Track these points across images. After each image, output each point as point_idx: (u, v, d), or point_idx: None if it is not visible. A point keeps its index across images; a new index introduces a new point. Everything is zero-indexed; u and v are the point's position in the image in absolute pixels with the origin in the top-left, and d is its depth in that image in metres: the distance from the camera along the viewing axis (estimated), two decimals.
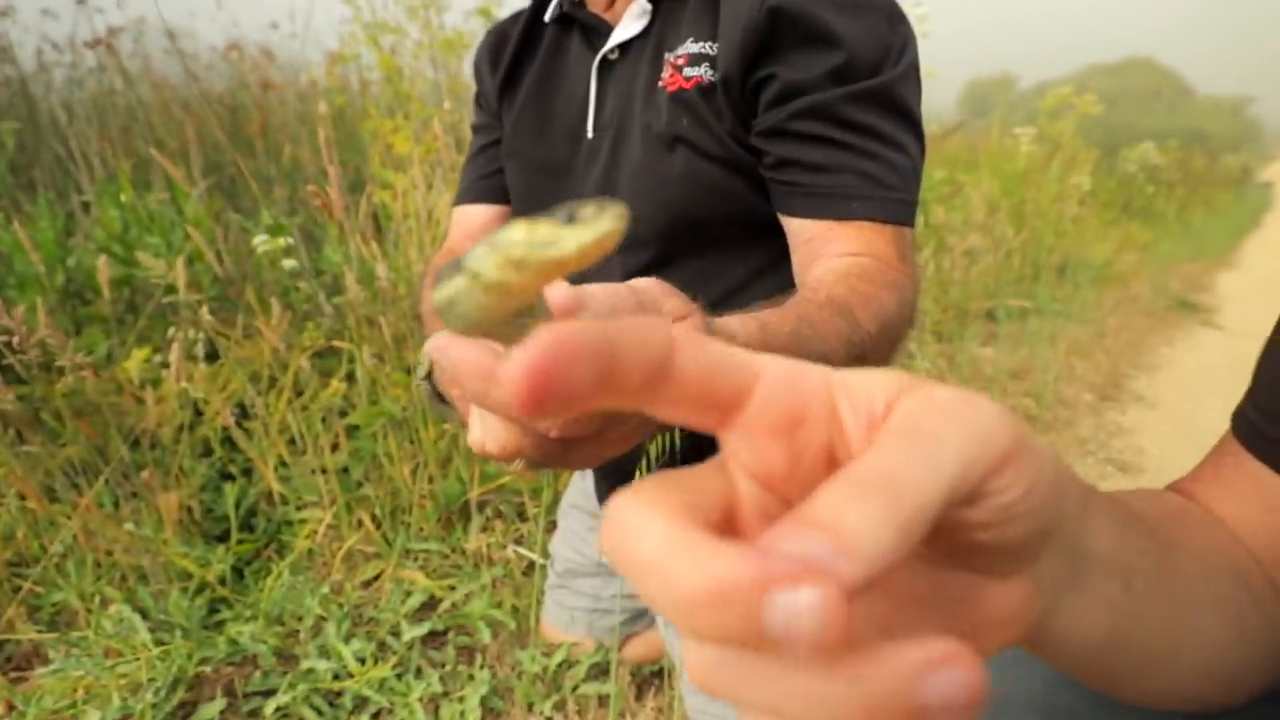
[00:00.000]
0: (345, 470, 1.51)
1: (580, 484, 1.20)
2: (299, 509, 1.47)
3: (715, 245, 0.80)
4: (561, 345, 0.18)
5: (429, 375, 0.53)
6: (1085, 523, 0.26)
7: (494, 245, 0.23)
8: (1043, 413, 2.43)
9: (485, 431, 0.38)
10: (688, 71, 0.73)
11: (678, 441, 0.83)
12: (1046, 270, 3.69)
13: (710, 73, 0.72)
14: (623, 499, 0.19)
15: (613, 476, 0.98)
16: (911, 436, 0.20)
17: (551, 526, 1.40)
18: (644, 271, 0.77)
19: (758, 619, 0.16)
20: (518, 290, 0.25)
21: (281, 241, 1.49)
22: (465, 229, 0.96)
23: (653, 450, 0.83)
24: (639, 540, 0.18)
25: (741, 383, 0.22)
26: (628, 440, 0.40)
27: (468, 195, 0.98)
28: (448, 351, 0.34)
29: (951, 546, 0.23)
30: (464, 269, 0.25)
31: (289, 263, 1.56)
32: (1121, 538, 0.28)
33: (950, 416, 0.20)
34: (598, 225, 0.22)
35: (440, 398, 0.52)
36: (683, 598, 0.17)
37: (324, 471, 1.46)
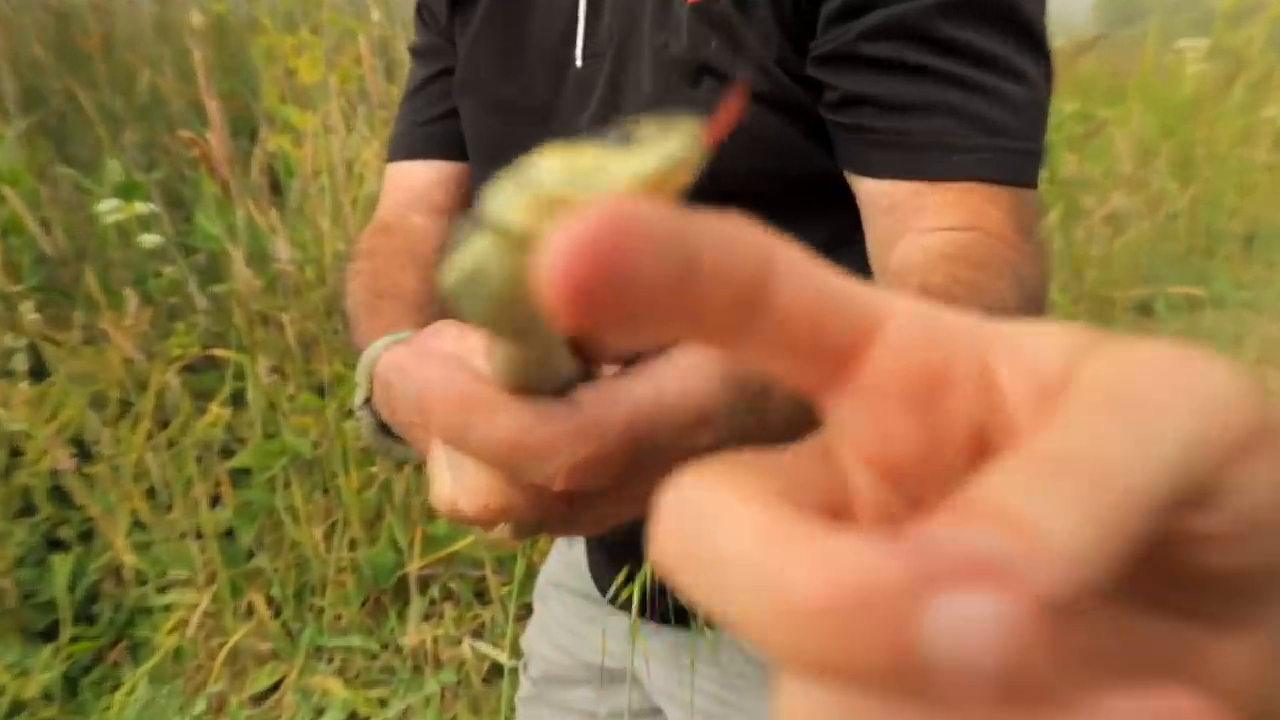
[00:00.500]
0: (229, 534, 1.51)
1: (565, 554, 1.20)
2: (162, 590, 1.47)
3: (758, 215, 0.80)
4: (625, 218, 0.18)
5: (369, 400, 0.53)
6: None
7: (521, 184, 0.23)
8: None
9: (458, 484, 0.38)
10: None
11: None
12: (1226, 242, 3.70)
13: None
14: (687, 482, 0.19)
15: (616, 544, 0.98)
16: (1114, 406, 0.19)
17: (525, 613, 1.40)
18: None
19: (910, 638, 0.15)
20: None
21: (137, 208, 1.50)
22: (403, 195, 0.96)
23: None
24: (723, 529, 0.17)
25: (862, 324, 0.21)
26: (653, 495, 0.40)
27: (406, 147, 0.98)
28: (412, 370, 0.34)
29: (1160, 576, 0.22)
30: (484, 224, 0.25)
31: (149, 238, 1.57)
32: None
33: (1167, 381, 0.20)
34: (664, 147, 0.22)
35: (387, 431, 0.53)
36: (796, 606, 0.16)
37: (199, 536, 1.46)
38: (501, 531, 0.40)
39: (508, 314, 0.28)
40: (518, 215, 0.24)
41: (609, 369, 0.38)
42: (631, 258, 0.18)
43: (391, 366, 0.34)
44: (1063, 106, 3.52)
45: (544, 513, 0.38)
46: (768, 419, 0.45)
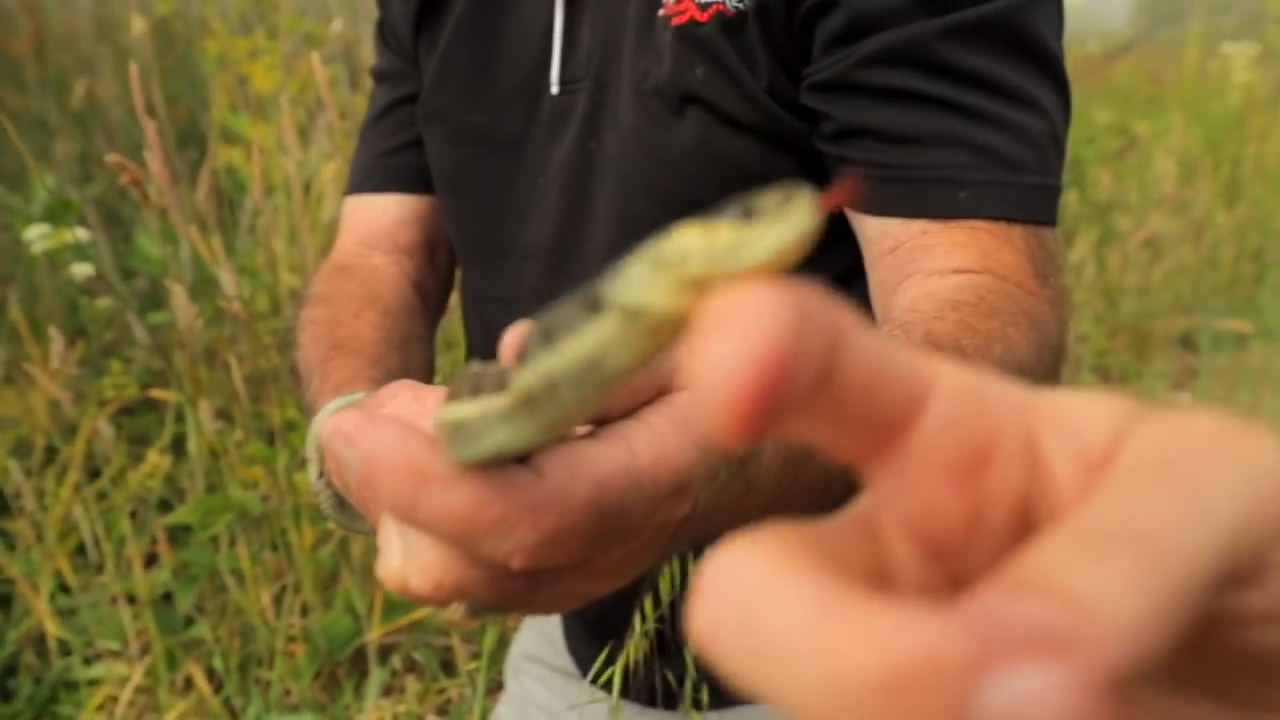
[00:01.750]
0: (167, 598, 1.50)
1: (541, 625, 1.20)
2: (89, 662, 1.46)
3: None
4: (787, 321, 0.19)
5: (323, 473, 0.54)
6: None
7: (661, 262, 0.25)
8: None
9: (410, 559, 0.39)
10: None
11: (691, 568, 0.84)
12: (1276, 270, 3.74)
13: (737, 1, 0.75)
14: (730, 556, 0.20)
15: (595, 618, 0.98)
16: (1162, 477, 0.20)
17: (496, 688, 1.39)
18: None
19: (971, 713, 0.16)
20: (679, 327, 0.26)
21: (69, 235, 1.51)
22: (364, 231, 0.97)
23: (663, 583, 0.84)
24: (771, 606, 0.18)
25: (913, 393, 0.22)
26: (625, 570, 0.41)
27: (368, 179, 0.99)
28: (356, 437, 0.34)
29: (1208, 657, 0.23)
30: (608, 306, 0.27)
31: (81, 268, 1.58)
32: None
33: (1216, 452, 0.21)
34: (792, 218, 0.23)
35: (347, 504, 0.53)
36: (851, 684, 0.17)
37: (132, 600, 1.45)
38: (456, 611, 0.41)
39: (606, 400, 0.29)
40: (656, 296, 0.25)
41: (576, 430, 0.38)
42: (792, 375, 0.19)
43: (336, 433, 0.34)
44: (1096, 118, 3.56)
45: (502, 591, 0.38)
46: (756, 486, 0.45)
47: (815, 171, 0.78)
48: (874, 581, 0.23)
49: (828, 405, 0.22)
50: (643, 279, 0.25)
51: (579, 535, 0.35)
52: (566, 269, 0.85)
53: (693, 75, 0.76)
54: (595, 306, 0.27)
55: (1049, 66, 0.74)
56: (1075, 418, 0.23)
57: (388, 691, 1.51)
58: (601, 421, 0.39)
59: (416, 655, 1.55)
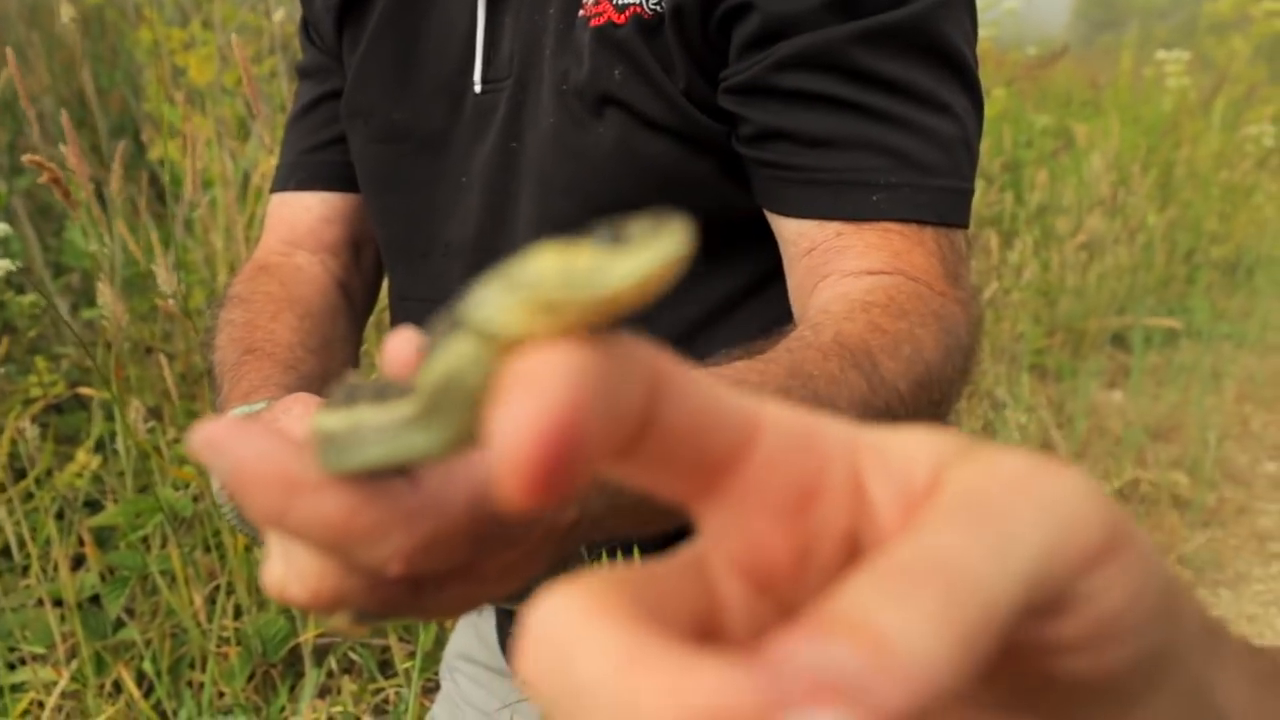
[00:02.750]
0: (95, 600, 1.47)
1: (472, 625, 1.19)
2: (13, 667, 1.43)
3: None
4: (577, 388, 0.19)
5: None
6: (1213, 666, 0.28)
7: (514, 284, 0.25)
8: (1200, 493, 2.51)
9: (288, 568, 0.38)
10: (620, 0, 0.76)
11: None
12: (1207, 271, 3.84)
13: (655, 2, 0.75)
14: (551, 603, 0.20)
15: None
16: (970, 515, 0.21)
17: (433, 686, 1.38)
18: None
19: None
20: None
21: None
22: (288, 230, 0.96)
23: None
24: (581, 655, 0.19)
25: (738, 437, 0.23)
26: (515, 575, 0.41)
27: (293, 176, 0.98)
28: (224, 446, 0.34)
29: (1027, 683, 0.24)
30: (465, 326, 0.26)
31: (3, 263, 1.54)
32: (1260, 702, 0.30)
33: (1022, 490, 0.22)
34: (654, 248, 0.23)
35: None
36: None
37: (58, 603, 1.42)
38: (342, 619, 0.40)
39: (479, 420, 0.29)
40: (508, 317, 0.25)
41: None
42: (585, 430, 0.20)
43: (206, 443, 0.34)
44: (1034, 121, 3.63)
45: (384, 599, 0.38)
46: (649, 495, 0.45)
47: (734, 173, 0.79)
48: (706, 620, 0.24)
49: (651, 451, 0.22)
50: (495, 300, 0.25)
51: (456, 541, 0.35)
52: (489, 268, 0.85)
53: (611, 77, 0.76)
54: (450, 327, 0.27)
55: (961, 71, 0.75)
56: (899, 455, 0.24)
57: (323, 692, 1.50)
58: None
59: (354, 655, 1.54)
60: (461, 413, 0.28)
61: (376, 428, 0.30)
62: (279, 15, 2.16)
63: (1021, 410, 2.54)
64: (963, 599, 0.19)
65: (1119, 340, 3.30)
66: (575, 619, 0.20)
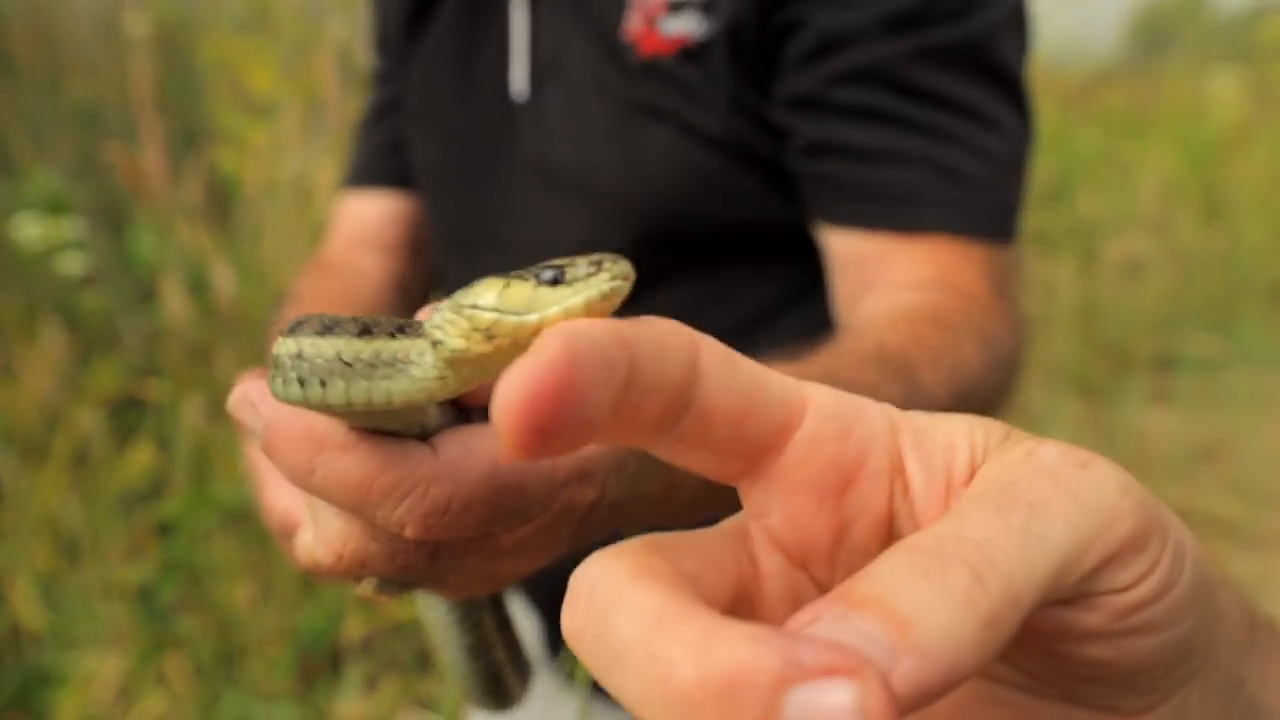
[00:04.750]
0: (149, 591, 1.51)
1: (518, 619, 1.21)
2: (69, 650, 1.45)
3: (712, 265, 0.83)
4: (577, 352, 0.21)
5: None
6: (1254, 660, 0.28)
7: (459, 308, 0.29)
8: (1245, 514, 2.46)
9: (316, 533, 0.40)
10: (669, 27, 0.77)
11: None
12: (1254, 294, 3.76)
13: (703, 25, 0.75)
14: (597, 564, 0.22)
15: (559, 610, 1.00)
16: (1004, 503, 0.22)
17: None
18: None
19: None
20: (481, 364, 0.30)
21: (65, 233, 1.52)
22: (353, 229, 0.99)
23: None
24: (620, 617, 0.20)
25: (781, 419, 0.25)
26: (531, 551, 0.42)
27: (361, 176, 1.01)
28: (260, 404, 0.35)
29: (1055, 667, 0.25)
30: (424, 333, 0.31)
31: (72, 263, 1.58)
32: None
33: (1057, 481, 0.23)
34: (589, 287, 0.26)
35: None
36: (672, 694, 0.19)
37: (114, 592, 1.46)
38: (367, 586, 0.41)
39: (421, 410, 0.34)
40: (449, 335, 0.29)
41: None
42: (581, 391, 0.21)
43: (243, 400, 0.36)
44: (1081, 137, 3.59)
45: (404, 564, 0.39)
46: (680, 482, 0.46)
47: (778, 183, 0.80)
48: (745, 589, 0.25)
49: (695, 429, 0.24)
50: (445, 320, 0.29)
51: (473, 508, 0.37)
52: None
53: (660, 96, 0.78)
54: (417, 332, 0.32)
55: (1013, 89, 0.76)
56: (941, 441, 0.25)
57: (365, 686, 1.52)
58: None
59: (395, 651, 1.55)
60: (411, 401, 0.32)
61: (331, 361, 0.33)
62: (336, 23, 2.20)
63: (1063, 428, 2.52)
64: (987, 583, 0.20)
65: (1164, 363, 3.25)
66: (617, 581, 0.21)
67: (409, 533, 0.36)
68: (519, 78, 0.86)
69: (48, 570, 1.49)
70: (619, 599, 0.21)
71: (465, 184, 0.92)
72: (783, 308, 0.85)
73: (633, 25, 0.78)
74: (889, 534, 0.25)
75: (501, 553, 0.40)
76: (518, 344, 0.27)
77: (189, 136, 2.58)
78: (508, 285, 0.28)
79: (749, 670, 0.18)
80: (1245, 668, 0.28)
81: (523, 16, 0.85)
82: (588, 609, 0.21)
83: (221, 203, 2.10)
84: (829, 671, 0.18)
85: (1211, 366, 3.23)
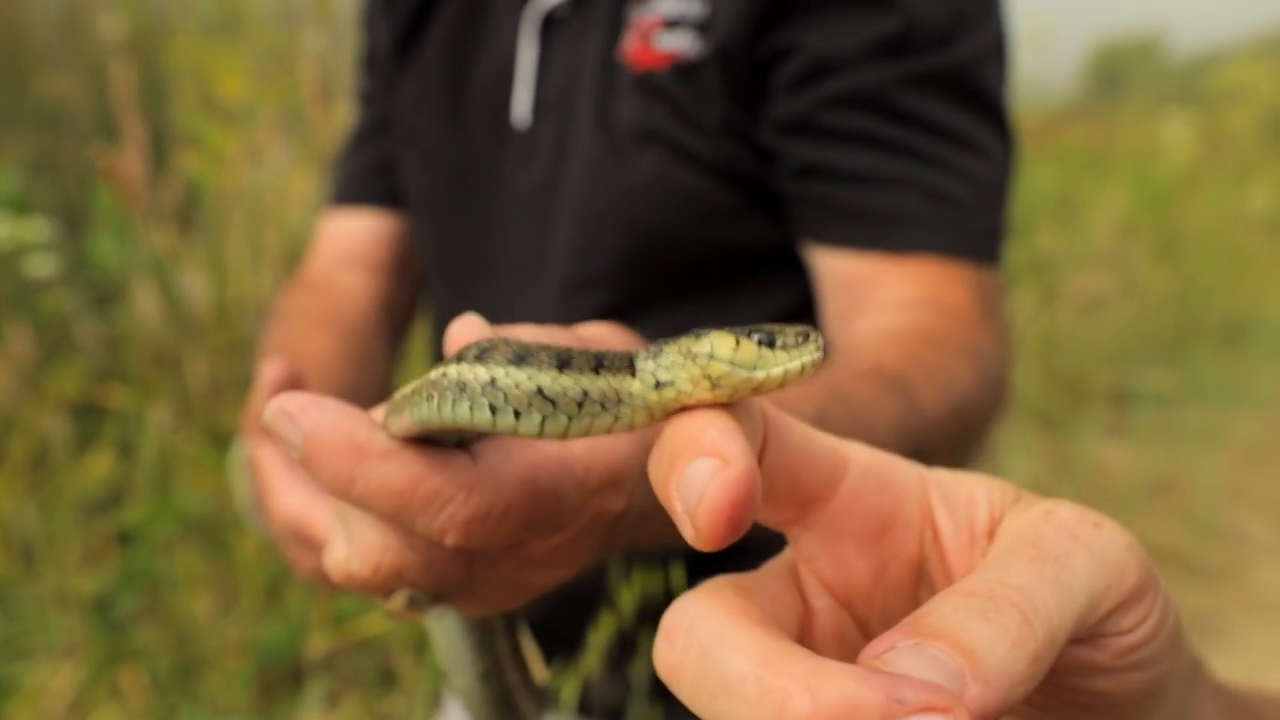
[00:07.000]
0: (106, 601, 1.48)
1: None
2: (20, 660, 1.43)
3: (702, 287, 0.84)
4: (754, 463, 0.25)
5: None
6: (1195, 695, 0.33)
7: (692, 355, 0.31)
8: (1197, 549, 2.51)
9: (351, 545, 0.39)
10: (663, 42, 0.78)
11: (669, 577, 0.85)
12: (1206, 331, 3.86)
13: (696, 44, 0.77)
14: (692, 604, 0.25)
15: (545, 626, 0.99)
16: (1035, 555, 0.26)
17: (437, 700, 1.38)
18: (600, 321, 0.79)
19: None
20: (687, 407, 0.32)
21: (33, 234, 1.49)
22: (338, 247, 0.99)
23: (625, 593, 0.85)
24: (725, 654, 0.23)
25: (828, 473, 0.29)
26: (561, 561, 0.42)
27: (347, 195, 1.01)
28: (299, 416, 0.36)
29: (1058, 697, 0.29)
30: (640, 372, 0.32)
31: (39, 264, 1.55)
32: None
33: (1076, 538, 0.27)
34: (803, 354, 0.30)
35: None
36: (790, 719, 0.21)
37: (69, 601, 1.43)
38: (398, 601, 0.41)
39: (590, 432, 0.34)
40: (679, 377, 0.31)
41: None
42: (756, 498, 0.25)
43: (280, 413, 0.36)
44: (1039, 176, 3.68)
45: (440, 575, 0.40)
46: None
47: (766, 206, 0.82)
48: (801, 626, 0.29)
49: (764, 486, 0.28)
50: (674, 361, 0.31)
51: (512, 515, 0.37)
52: (527, 290, 0.88)
53: (651, 116, 0.79)
54: (624, 366, 0.33)
55: (997, 117, 0.79)
56: (963, 495, 0.30)
57: (327, 703, 1.50)
58: None
59: (358, 666, 1.53)
60: (592, 427, 0.33)
61: (509, 386, 0.33)
62: (313, 32, 2.18)
63: (1022, 459, 2.56)
64: (1034, 624, 0.24)
65: (1120, 397, 3.32)
66: (715, 620, 0.24)
67: (450, 540, 0.37)
68: (522, 105, 0.87)
69: (1, 577, 1.46)
70: (721, 637, 0.24)
71: (455, 207, 0.93)
72: None
73: (629, 43, 0.80)
74: (919, 575, 0.30)
75: (533, 561, 0.41)
76: (735, 395, 0.30)
77: (155, 141, 2.54)
78: (739, 341, 0.30)
79: (858, 704, 0.21)
80: (1190, 700, 0.33)
81: (531, 47, 0.86)
82: (686, 646, 0.24)
83: (187, 209, 2.07)
84: (927, 708, 0.21)
85: (1164, 402, 3.31)
